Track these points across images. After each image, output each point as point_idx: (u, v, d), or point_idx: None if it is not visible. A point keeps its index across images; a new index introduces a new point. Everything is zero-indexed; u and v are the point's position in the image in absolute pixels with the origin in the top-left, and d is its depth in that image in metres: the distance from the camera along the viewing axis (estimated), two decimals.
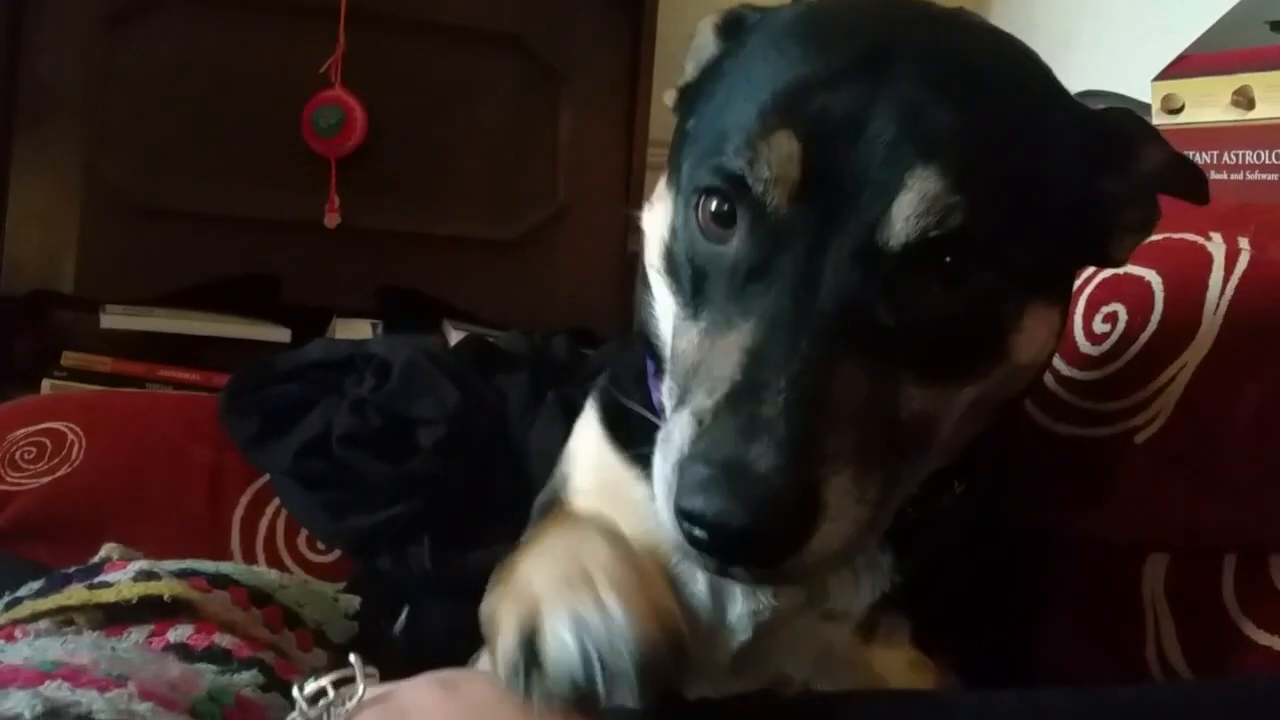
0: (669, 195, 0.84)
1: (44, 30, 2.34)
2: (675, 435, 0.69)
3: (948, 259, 0.71)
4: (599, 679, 0.63)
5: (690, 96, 0.88)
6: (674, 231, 0.82)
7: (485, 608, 0.76)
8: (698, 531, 0.65)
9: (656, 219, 0.85)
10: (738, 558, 0.66)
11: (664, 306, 0.84)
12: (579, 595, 0.67)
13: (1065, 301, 0.82)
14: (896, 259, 0.70)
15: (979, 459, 0.86)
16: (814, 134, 0.71)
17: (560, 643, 0.65)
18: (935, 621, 0.88)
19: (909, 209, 0.69)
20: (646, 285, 0.89)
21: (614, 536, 0.75)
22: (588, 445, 1.00)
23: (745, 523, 0.63)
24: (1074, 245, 0.81)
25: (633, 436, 0.92)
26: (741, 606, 0.87)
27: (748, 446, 0.64)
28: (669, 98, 0.92)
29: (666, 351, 0.83)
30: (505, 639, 0.68)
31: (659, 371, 0.86)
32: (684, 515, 0.65)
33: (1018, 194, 0.73)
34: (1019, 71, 0.80)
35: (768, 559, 0.66)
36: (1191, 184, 0.87)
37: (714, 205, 0.76)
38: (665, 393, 0.79)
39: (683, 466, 0.66)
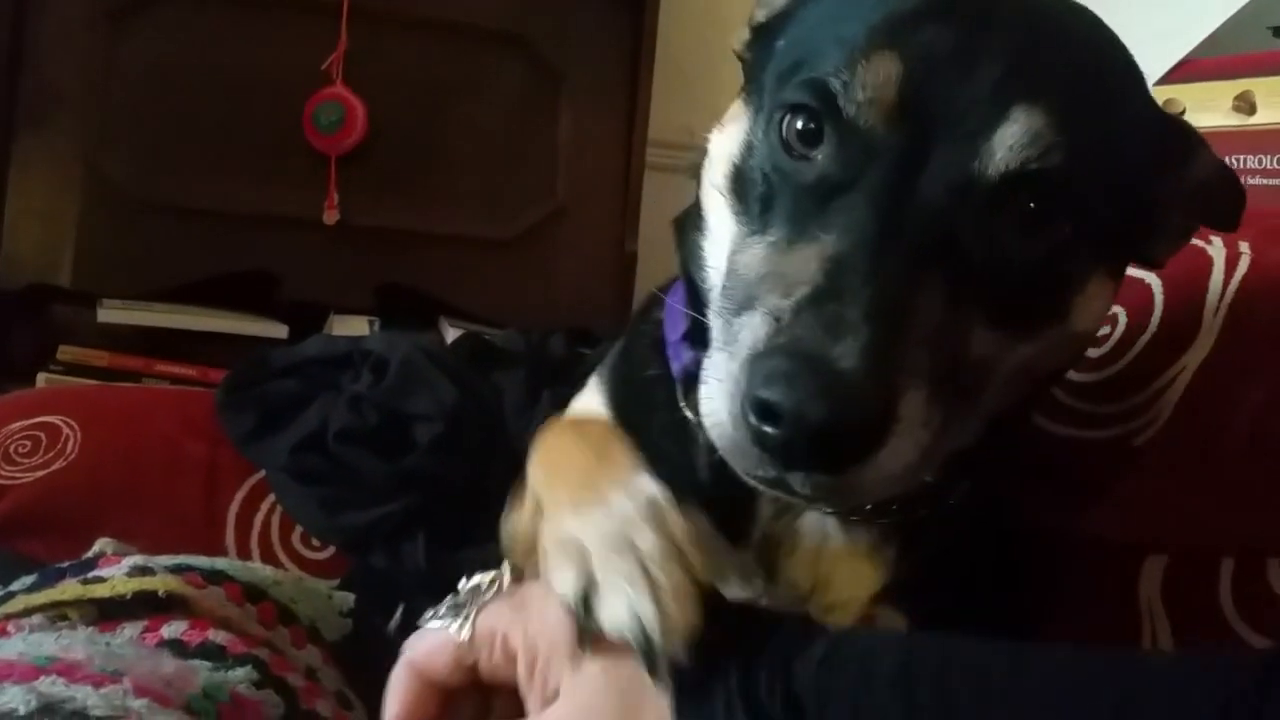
0: (746, 113, 0.83)
1: (45, 26, 2.34)
2: (745, 334, 0.68)
3: (1036, 202, 0.70)
4: (654, 649, 0.66)
5: (772, 27, 0.87)
6: (749, 148, 0.80)
7: (512, 524, 0.82)
8: (769, 427, 0.63)
9: (726, 139, 0.84)
10: (808, 458, 0.64)
11: (721, 230, 0.83)
12: (630, 576, 0.68)
13: (1119, 279, 0.81)
14: (991, 189, 0.70)
15: (987, 458, 0.85)
16: (918, 59, 0.71)
17: (616, 614, 0.68)
18: (932, 619, 0.87)
19: (1013, 139, 0.69)
20: (694, 220, 0.88)
21: (649, 495, 0.74)
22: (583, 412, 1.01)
23: (825, 417, 0.61)
24: (1132, 231, 0.81)
25: (633, 415, 0.92)
26: (748, 591, 0.87)
27: (833, 344, 0.63)
28: (739, 38, 0.91)
29: (716, 278, 0.81)
30: (563, 585, 0.71)
31: (695, 317, 0.85)
32: (758, 409, 0.63)
33: (1104, 155, 0.73)
34: (1111, 46, 0.81)
35: (840, 462, 0.64)
36: (1230, 203, 0.86)
37: (800, 122, 0.75)
38: (714, 314, 0.77)
39: (757, 361, 0.65)
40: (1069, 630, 1.05)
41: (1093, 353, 1.10)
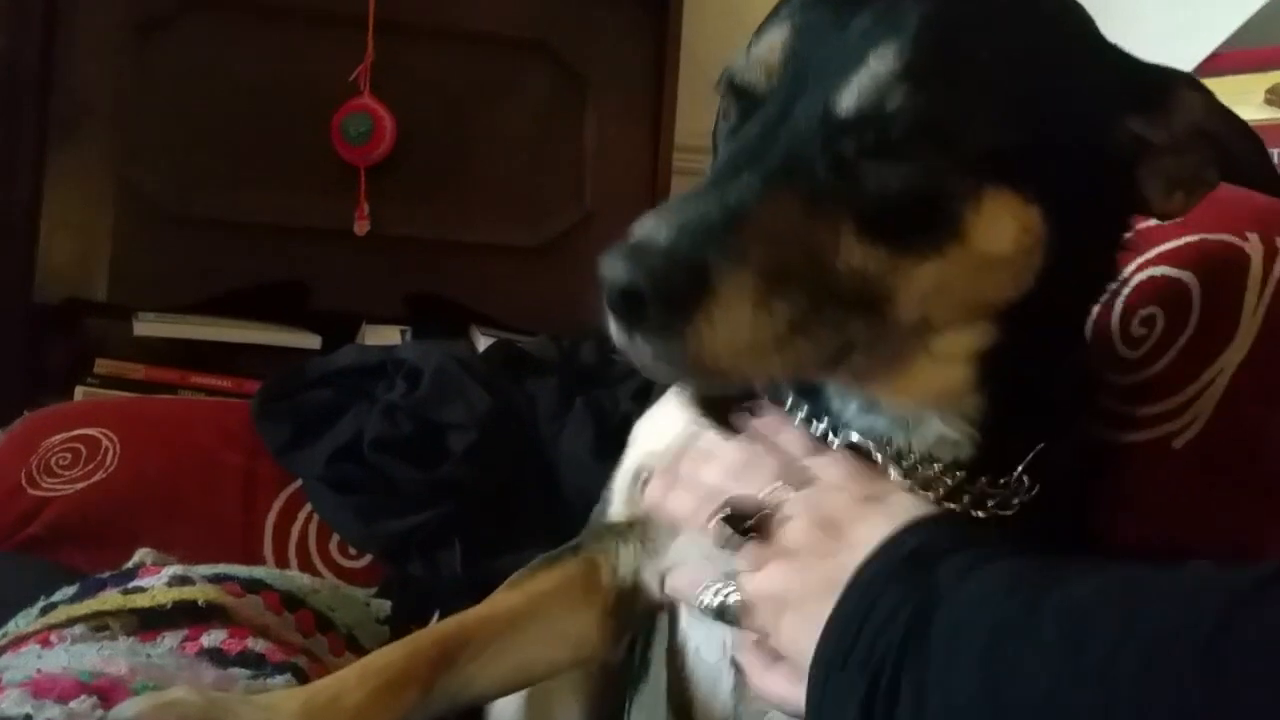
0: None
1: (76, 41, 2.37)
2: None
3: (893, 131, 0.76)
4: None
5: None
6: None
7: None
8: (607, 301, 0.73)
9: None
10: (629, 318, 0.72)
11: None
12: None
13: (1063, 202, 0.81)
14: (846, 125, 0.77)
15: (1048, 461, 0.89)
16: (801, 26, 0.81)
17: None
18: None
19: (860, 83, 0.76)
20: None
21: None
22: (663, 412, 1.07)
23: (627, 277, 0.70)
24: (1089, 170, 0.82)
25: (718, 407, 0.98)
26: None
27: (655, 229, 0.72)
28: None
29: None
30: None
31: None
32: (603, 286, 0.73)
33: (987, 86, 0.78)
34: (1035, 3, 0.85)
35: (651, 318, 0.71)
36: (1249, 151, 0.86)
37: (724, 103, 0.86)
38: None
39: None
40: None
41: (1131, 354, 1.09)
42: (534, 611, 1.02)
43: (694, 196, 0.75)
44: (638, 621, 1.12)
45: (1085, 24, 0.86)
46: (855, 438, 0.89)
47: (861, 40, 0.78)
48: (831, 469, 0.86)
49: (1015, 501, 0.88)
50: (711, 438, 0.94)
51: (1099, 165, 0.83)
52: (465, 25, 2.56)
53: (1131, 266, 1.14)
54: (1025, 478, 0.89)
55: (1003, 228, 0.79)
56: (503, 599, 1.03)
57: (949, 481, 0.87)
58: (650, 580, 1.04)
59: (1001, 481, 0.88)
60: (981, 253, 0.79)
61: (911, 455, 0.87)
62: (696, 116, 2.63)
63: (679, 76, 2.65)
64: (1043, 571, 0.70)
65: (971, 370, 0.85)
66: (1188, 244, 1.11)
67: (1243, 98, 1.25)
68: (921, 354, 0.83)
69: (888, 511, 0.80)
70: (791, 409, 0.94)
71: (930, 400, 0.86)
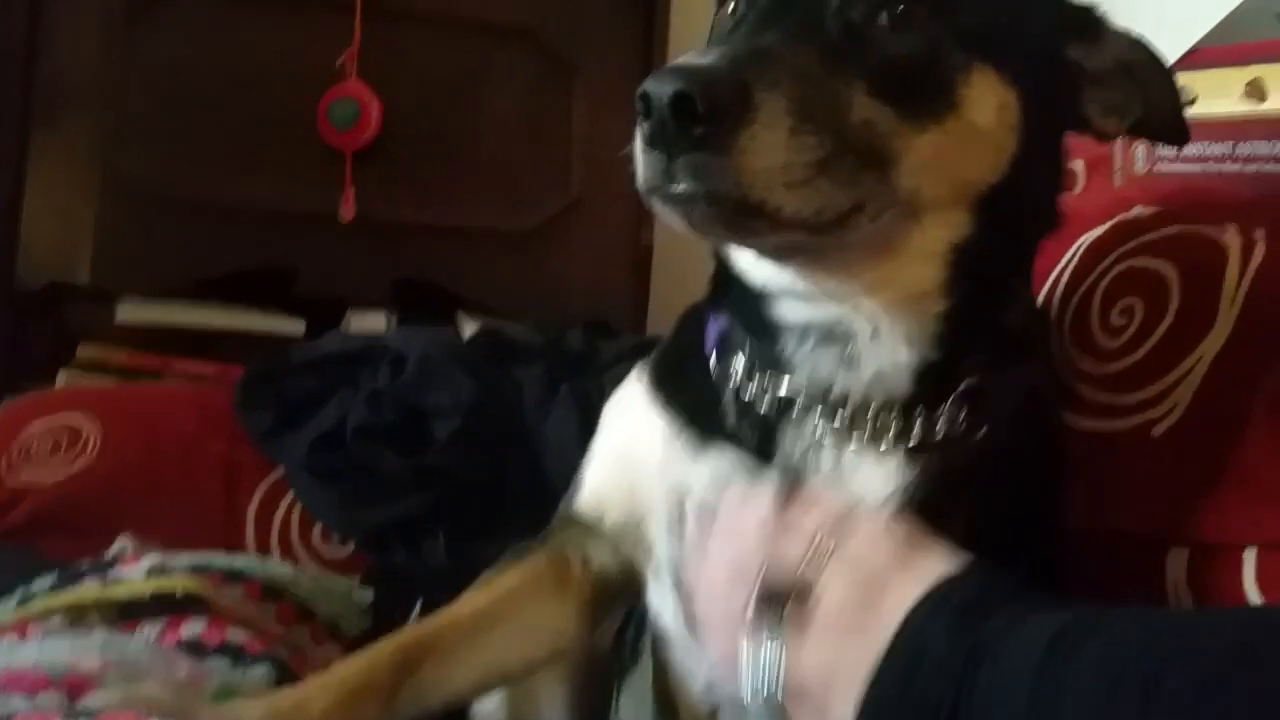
0: None
1: (61, 24, 2.35)
2: None
3: (897, 5, 0.84)
4: None
5: None
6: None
7: None
8: (647, 125, 0.77)
9: None
10: (674, 133, 0.75)
11: None
12: None
13: (1029, 94, 0.89)
14: None
15: (1003, 398, 0.93)
16: None
17: None
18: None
19: None
20: None
21: None
22: (626, 402, 1.08)
23: (681, 85, 0.73)
24: (1046, 76, 0.92)
25: (673, 387, 1.03)
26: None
27: (695, 58, 0.77)
28: None
29: None
30: None
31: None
32: (641, 107, 0.77)
33: None
34: None
35: (705, 138, 0.75)
36: (1164, 91, 0.95)
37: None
38: None
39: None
40: None
41: (1111, 344, 1.10)
42: (501, 612, 1.03)
43: (721, 46, 0.80)
44: (619, 609, 1.13)
45: None
46: (783, 389, 0.92)
47: None
48: (863, 529, 0.85)
49: (938, 430, 0.91)
50: (744, 485, 0.94)
51: (1054, 78, 0.93)
52: (451, 11, 2.55)
53: (1111, 258, 1.15)
54: (961, 411, 0.91)
55: (988, 102, 0.87)
56: (469, 600, 1.04)
57: (878, 423, 0.91)
58: (645, 575, 1.04)
59: (935, 415, 0.91)
60: (970, 123, 0.86)
61: (845, 405, 0.91)
62: None
63: (666, 61, 2.64)
64: (1085, 623, 0.70)
65: (943, 270, 0.89)
66: (1166, 235, 1.12)
67: (1222, 91, 1.25)
68: (908, 240, 0.88)
69: (926, 568, 0.79)
70: (731, 352, 0.97)
71: (902, 298, 0.89)
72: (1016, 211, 0.91)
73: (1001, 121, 0.88)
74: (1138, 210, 1.19)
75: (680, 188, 0.78)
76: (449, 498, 1.59)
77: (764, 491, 0.90)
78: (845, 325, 0.91)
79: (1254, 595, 0.95)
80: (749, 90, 0.75)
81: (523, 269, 2.63)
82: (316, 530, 1.57)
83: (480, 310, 2.53)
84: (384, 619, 1.27)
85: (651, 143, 0.78)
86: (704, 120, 0.74)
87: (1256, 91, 1.22)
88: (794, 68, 0.80)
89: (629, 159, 0.84)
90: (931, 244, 0.89)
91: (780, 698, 0.80)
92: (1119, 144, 1.32)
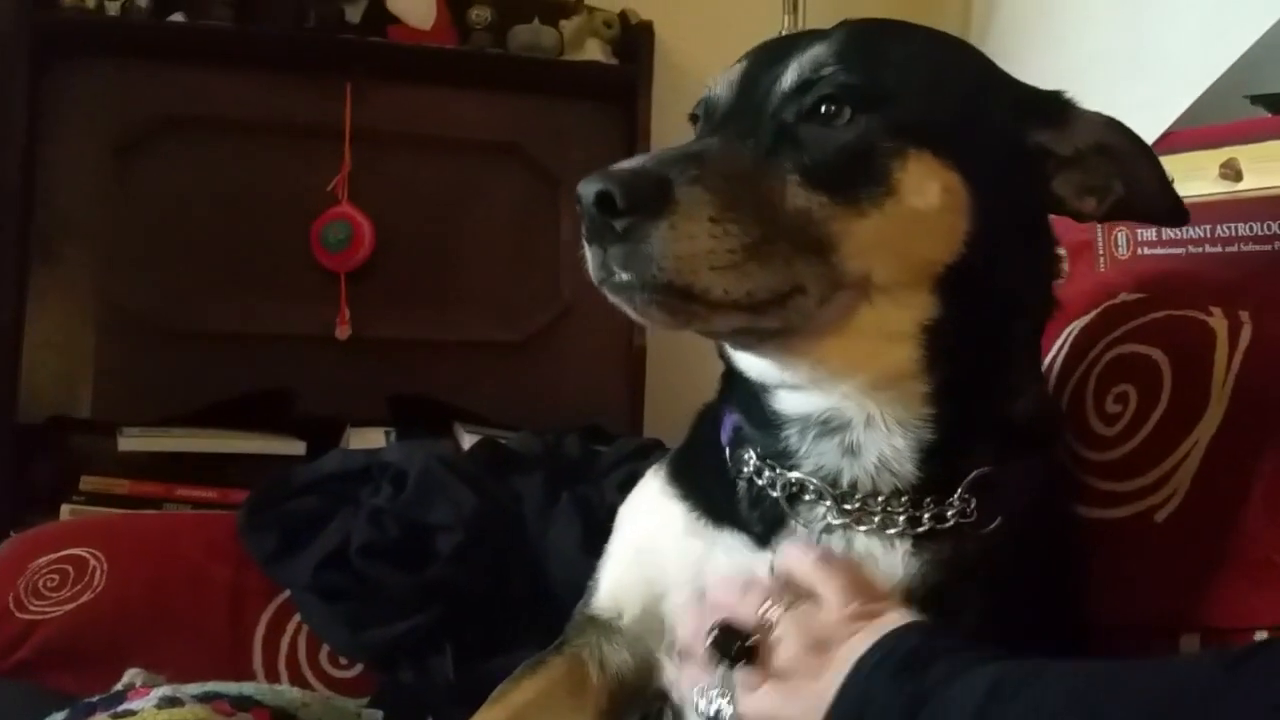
0: None
1: (57, 160, 2.40)
2: None
3: (827, 95, 0.89)
4: None
5: None
6: None
7: None
8: (584, 223, 0.84)
9: None
10: (603, 228, 0.82)
11: None
12: None
13: (981, 177, 0.92)
14: (789, 95, 0.91)
15: (1019, 486, 0.95)
16: (755, 55, 0.98)
17: None
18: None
19: (799, 62, 0.92)
20: None
21: None
22: (642, 499, 1.12)
23: (602, 185, 0.81)
24: (1003, 160, 0.94)
25: (692, 480, 1.06)
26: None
27: (628, 163, 0.84)
28: None
29: None
30: None
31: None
32: (578, 204, 0.84)
33: (905, 74, 0.92)
34: (937, 35, 1.01)
35: (621, 225, 0.81)
36: (1151, 173, 0.96)
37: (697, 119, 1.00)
38: None
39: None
40: None
41: (1108, 431, 1.11)
42: None
43: (666, 152, 0.87)
44: (636, 712, 1.12)
45: (987, 59, 1.00)
46: (794, 476, 0.94)
47: (802, 44, 0.94)
48: (830, 584, 0.89)
49: (950, 516, 0.92)
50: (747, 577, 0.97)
51: (1013, 161, 0.95)
52: (438, 132, 2.61)
53: (1101, 344, 1.16)
54: (972, 500, 0.92)
55: (928, 186, 0.89)
56: (486, 718, 1.04)
57: (889, 509, 0.93)
58: (662, 662, 1.05)
59: (947, 501, 0.93)
60: (911, 207, 0.89)
61: (856, 492, 0.93)
62: None
63: None
64: (1022, 673, 0.73)
65: (917, 351, 0.91)
66: (1154, 320, 1.14)
67: (1197, 174, 1.28)
68: (867, 321, 0.90)
69: (876, 628, 0.83)
70: (744, 445, 1.00)
71: (880, 380, 0.92)
72: (987, 291, 0.93)
73: (946, 204, 0.90)
74: (1123, 296, 1.21)
75: (622, 277, 0.84)
76: (454, 613, 1.57)
77: (763, 583, 0.93)
78: (840, 413, 0.93)
79: None
80: (669, 185, 0.82)
81: (517, 378, 2.66)
82: (324, 652, 1.56)
83: (477, 421, 2.54)
84: None
85: (588, 238, 0.85)
86: (625, 213, 0.81)
87: (1232, 172, 1.25)
88: (720, 164, 0.86)
89: None
90: (894, 324, 0.91)
91: None
92: (1101, 229, 1.34)
